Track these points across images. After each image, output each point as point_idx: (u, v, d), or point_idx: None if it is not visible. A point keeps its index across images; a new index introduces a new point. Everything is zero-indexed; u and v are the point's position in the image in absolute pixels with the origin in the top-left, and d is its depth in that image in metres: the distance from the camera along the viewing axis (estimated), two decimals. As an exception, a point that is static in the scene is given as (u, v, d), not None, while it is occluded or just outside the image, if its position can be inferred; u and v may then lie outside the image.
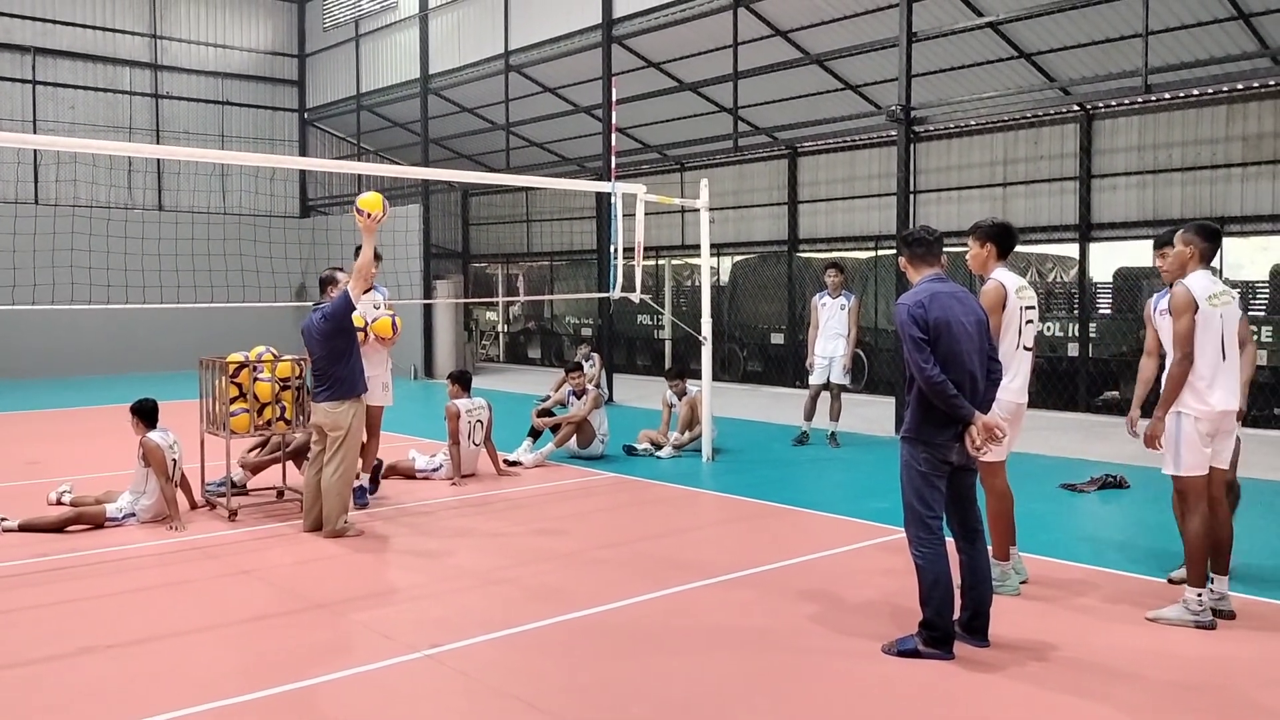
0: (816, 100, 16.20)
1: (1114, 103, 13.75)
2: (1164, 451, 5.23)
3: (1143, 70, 10.65)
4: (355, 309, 7.25)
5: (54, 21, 20.37)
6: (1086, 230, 14.41)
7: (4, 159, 19.41)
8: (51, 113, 20.18)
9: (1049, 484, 8.83)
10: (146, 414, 7.43)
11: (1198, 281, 5.20)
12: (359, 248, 7.31)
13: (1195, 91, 12.86)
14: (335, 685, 4.47)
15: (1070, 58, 13.76)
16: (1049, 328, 14.43)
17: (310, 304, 7.72)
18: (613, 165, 10.92)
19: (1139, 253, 15.10)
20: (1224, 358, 5.19)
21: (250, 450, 8.77)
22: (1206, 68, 11.57)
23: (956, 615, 4.80)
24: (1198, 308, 5.12)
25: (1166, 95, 12.91)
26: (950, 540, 4.84)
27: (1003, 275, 5.63)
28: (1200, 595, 5.14)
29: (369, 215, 7.12)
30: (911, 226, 4.99)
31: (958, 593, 4.81)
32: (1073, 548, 6.79)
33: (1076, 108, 14.25)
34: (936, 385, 4.59)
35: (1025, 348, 5.69)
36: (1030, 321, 5.70)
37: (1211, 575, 5.29)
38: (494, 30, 18.59)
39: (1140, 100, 13.23)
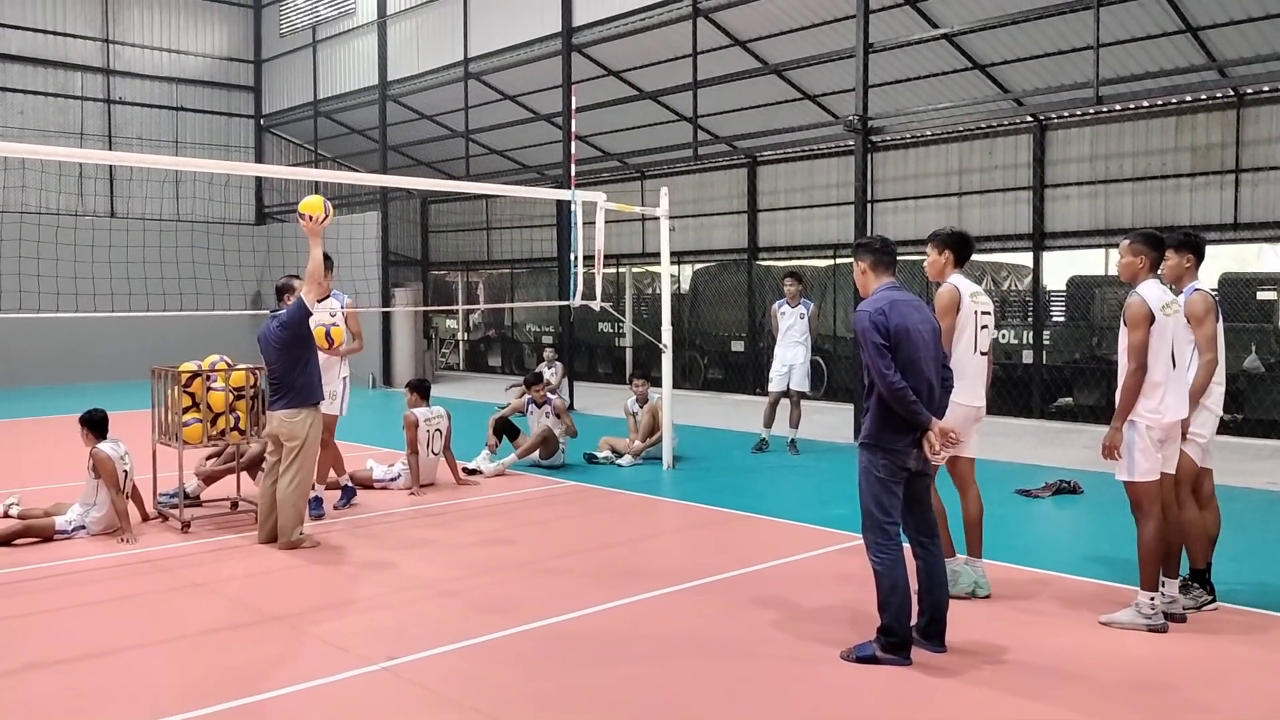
0: (775, 110, 16.31)
1: (1066, 114, 13.99)
2: (1121, 458, 5.28)
3: (1094, 82, 10.84)
4: (311, 315, 7.16)
5: (3, 25, 19.99)
6: (1040, 239, 14.63)
7: (-50, 164, 18.99)
8: (0, 118, 19.77)
9: (1004, 489, 8.93)
10: (96, 424, 7.30)
11: (1151, 291, 5.23)
12: None
13: (1145, 103, 13.12)
14: (290, 699, 4.41)
15: (1023, 69, 13.99)
16: (1004, 335, 14.62)
17: (267, 311, 7.61)
18: (573, 173, 10.93)
19: (1092, 261, 15.37)
20: (1174, 365, 5.26)
21: (207, 459, 8.64)
22: (1156, 80, 11.81)
23: (914, 620, 4.84)
24: (1154, 319, 5.15)
25: (1117, 107, 13.16)
26: (906, 545, 4.88)
27: (958, 280, 5.72)
28: (1153, 599, 5.23)
29: (311, 218, 7.07)
30: (869, 235, 5.05)
31: (915, 598, 4.85)
32: (1028, 552, 6.88)
33: (1030, 118, 14.47)
34: (897, 391, 4.62)
35: (981, 352, 5.77)
36: (985, 327, 5.77)
37: (1163, 579, 5.37)
38: (453, 37, 18.52)
39: (1092, 111, 13.46)
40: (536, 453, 10.18)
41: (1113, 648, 5.00)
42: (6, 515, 7.61)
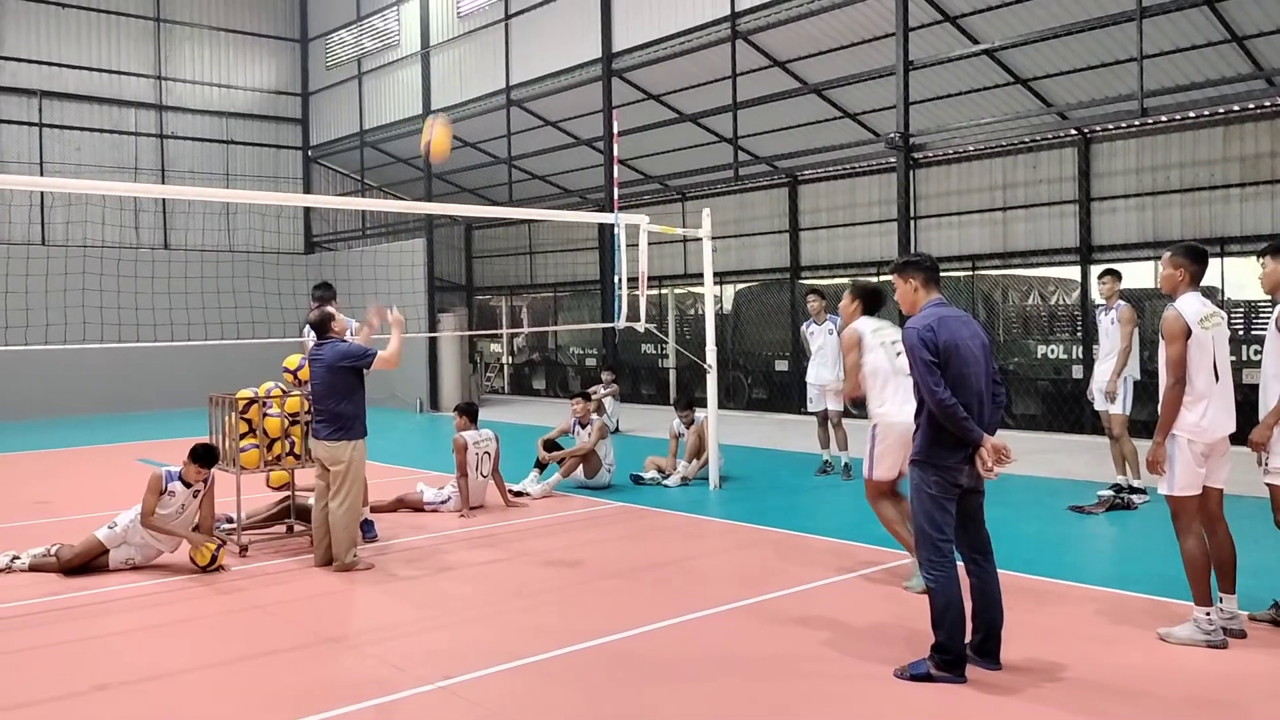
0: (816, 129, 16.35)
1: (1111, 126, 13.86)
2: (1163, 474, 5.26)
3: (1139, 94, 10.76)
4: (372, 362, 7.30)
5: (60, 65, 20.63)
6: (1087, 253, 14.48)
7: (13, 201, 19.60)
8: (58, 154, 20.38)
9: (1056, 506, 8.83)
10: (198, 458, 7.22)
11: (1189, 305, 5.22)
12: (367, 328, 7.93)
13: (1191, 114, 12.97)
14: (350, 718, 4.48)
15: (1066, 82, 13.90)
16: (1052, 350, 14.47)
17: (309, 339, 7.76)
18: (615, 197, 11.02)
19: (1141, 274, 15.16)
20: (1217, 379, 5.22)
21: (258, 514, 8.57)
22: (1202, 90, 11.67)
23: (968, 638, 4.81)
24: (1190, 333, 5.14)
25: (1163, 118, 13.03)
26: (961, 563, 4.86)
27: (861, 323, 6.56)
28: (1209, 614, 5.15)
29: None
30: (916, 253, 5.09)
31: (969, 615, 4.83)
32: (1082, 569, 6.79)
33: (1074, 132, 14.36)
34: (948, 408, 4.62)
35: (904, 373, 5.99)
36: (900, 354, 6.04)
37: (1220, 595, 5.29)
38: (495, 65, 18.81)
39: (1137, 123, 13.34)
40: (581, 473, 10.24)
41: (1173, 664, 4.93)
42: (9, 570, 7.15)
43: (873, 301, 6.69)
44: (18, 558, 7.14)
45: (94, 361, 18.90)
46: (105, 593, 6.62)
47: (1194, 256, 5.32)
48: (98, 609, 6.29)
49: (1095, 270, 14.60)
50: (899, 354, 6.13)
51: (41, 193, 19.64)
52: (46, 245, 19.62)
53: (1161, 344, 5.26)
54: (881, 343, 6.41)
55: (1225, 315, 5.42)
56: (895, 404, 6.29)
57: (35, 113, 20.26)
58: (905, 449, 5.99)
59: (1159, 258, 13.95)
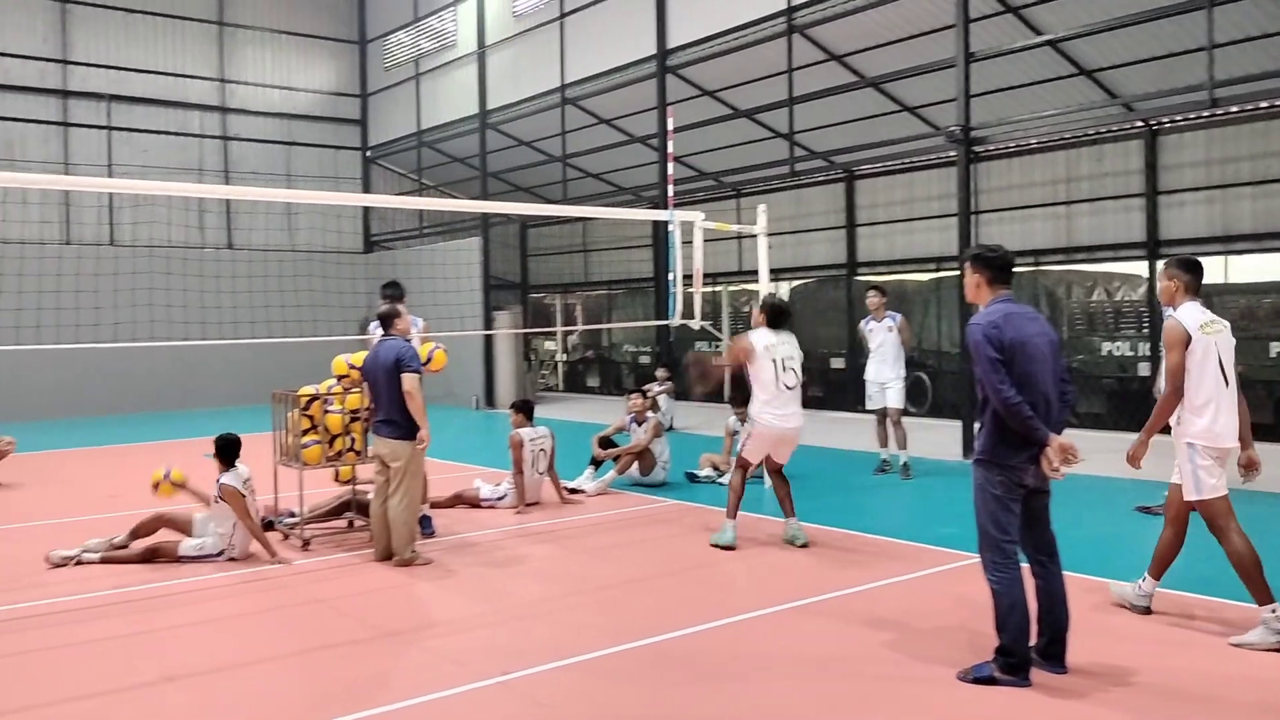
0: (873, 123, 16.14)
1: (1179, 118, 13.51)
2: (1183, 481, 5.39)
3: (1208, 84, 10.46)
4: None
5: (128, 69, 21.14)
6: (1154, 248, 14.13)
7: (83, 203, 20.14)
8: (126, 157, 20.88)
9: (1123, 506, 8.63)
10: (221, 451, 7.35)
11: (1188, 313, 5.38)
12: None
13: (1264, 104, 12.57)
14: (410, 712, 4.53)
15: (1132, 73, 13.57)
16: (1118, 347, 14.14)
17: (372, 336, 7.84)
18: (670, 194, 11.01)
19: (1211, 270, 14.70)
20: (1225, 384, 5.33)
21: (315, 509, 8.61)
22: (1275, 79, 11.30)
23: (1033, 641, 4.71)
24: (1189, 341, 5.28)
25: (1234, 109, 12.65)
26: (1025, 564, 4.76)
27: (757, 334, 7.58)
28: (1275, 610, 5.04)
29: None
30: (990, 246, 4.93)
31: (1034, 618, 4.73)
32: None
33: (1140, 124, 14.02)
34: (1013, 407, 4.52)
35: (786, 386, 7.50)
36: (790, 369, 7.55)
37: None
38: (550, 64, 18.87)
39: (1206, 114, 12.97)
40: (636, 470, 10.24)
41: (1243, 669, 4.79)
42: (80, 562, 7.25)
43: (777, 317, 7.74)
44: (88, 550, 7.33)
45: (160, 359, 19.33)
46: (171, 585, 6.77)
47: (1188, 267, 5.53)
48: (164, 601, 6.43)
49: (1162, 265, 14.27)
50: (787, 370, 7.48)
51: (110, 194, 20.13)
52: (115, 246, 20.11)
53: (1163, 353, 5.42)
54: (774, 358, 7.45)
55: (1228, 324, 5.55)
56: (772, 412, 7.46)
57: (104, 116, 20.79)
58: (774, 447, 7.65)
59: (1229, 253, 13.71)
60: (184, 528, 7.44)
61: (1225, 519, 5.26)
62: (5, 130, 19.73)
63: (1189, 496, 5.36)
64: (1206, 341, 5.32)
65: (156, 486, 7.55)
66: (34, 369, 17.84)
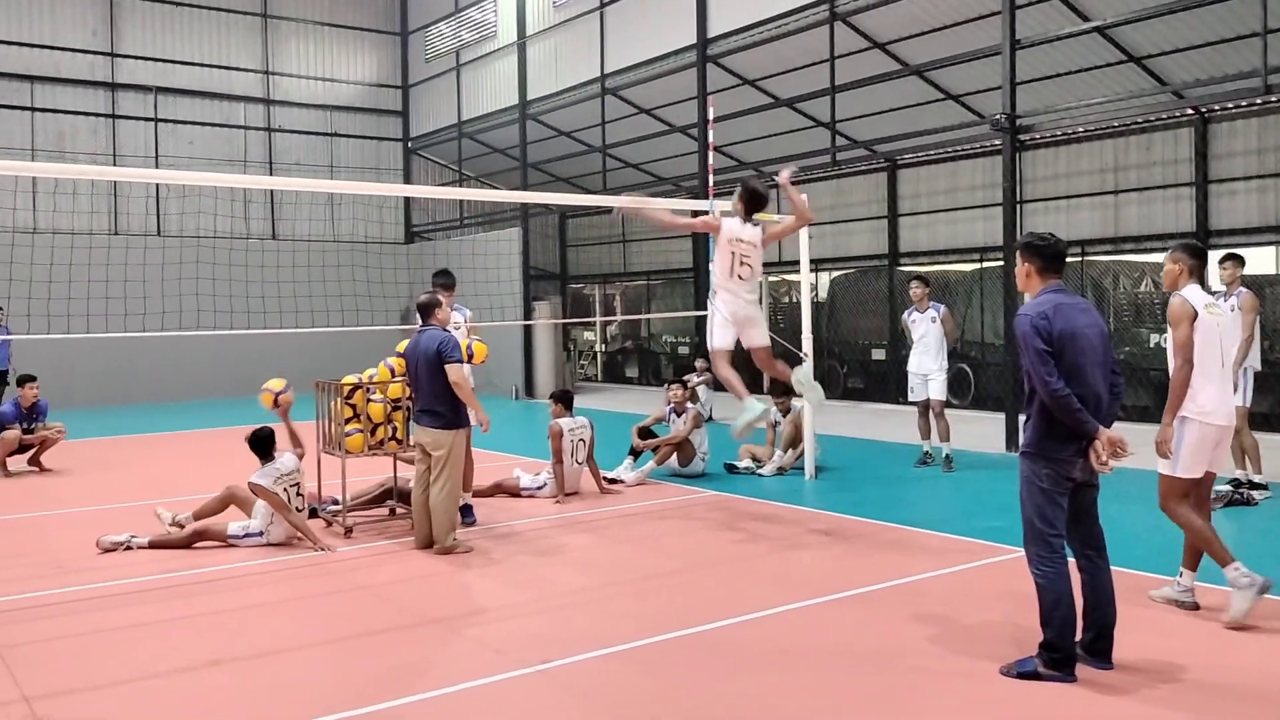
0: (916, 111, 15.97)
1: (1230, 105, 13.22)
2: (1170, 456, 5.48)
3: (1262, 71, 10.22)
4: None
5: (173, 61, 21.44)
6: (1204, 237, 13.84)
7: (131, 194, 20.48)
8: (172, 148, 21.20)
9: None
10: (253, 448, 7.49)
11: (1192, 292, 5.51)
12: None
13: (1321, 90, 12.27)
14: (450, 699, 4.56)
15: (1183, 60, 13.29)
16: (1166, 338, 13.87)
17: (414, 326, 7.89)
18: (710, 183, 10.95)
19: (1262, 260, 14.43)
20: (1222, 365, 5.52)
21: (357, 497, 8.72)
22: (1332, 65, 11.03)
23: (1078, 636, 4.64)
24: (1196, 315, 5.41)
25: (1289, 95, 12.35)
26: (1071, 559, 4.69)
27: (729, 220, 7.77)
28: (1236, 565, 5.24)
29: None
30: (1042, 234, 4.83)
31: (1080, 613, 4.65)
32: (1202, 568, 6.49)
33: (1190, 111, 13.74)
34: (1061, 399, 4.44)
35: (740, 278, 8.03)
36: (746, 264, 8.01)
37: (1181, 570, 5.61)
38: (590, 54, 18.87)
39: (1259, 102, 12.68)
40: (675, 461, 10.23)
41: (1301, 670, 4.68)
42: (129, 548, 7.39)
43: (754, 206, 8.20)
44: (135, 536, 7.46)
45: (205, 347, 19.61)
46: (216, 570, 6.86)
47: (1193, 253, 5.65)
48: (209, 587, 6.53)
49: (1213, 256, 13.99)
50: (743, 264, 8.02)
51: (157, 185, 20.45)
52: (162, 236, 20.44)
53: (1169, 332, 5.57)
54: (734, 251, 7.96)
55: (1225, 309, 5.75)
56: (725, 297, 8.05)
57: (151, 108, 21.11)
58: (740, 329, 8.02)
59: (1282, 242, 13.39)
60: (248, 507, 7.56)
61: (1178, 501, 5.45)
62: (57, 122, 20.12)
63: (1163, 470, 5.49)
64: (1210, 322, 5.47)
65: (276, 398, 7.94)
66: (83, 357, 18.18)
